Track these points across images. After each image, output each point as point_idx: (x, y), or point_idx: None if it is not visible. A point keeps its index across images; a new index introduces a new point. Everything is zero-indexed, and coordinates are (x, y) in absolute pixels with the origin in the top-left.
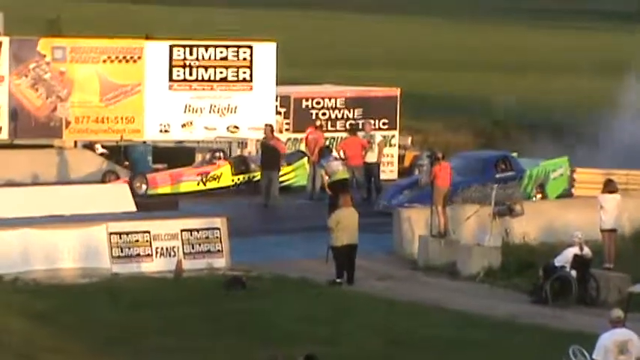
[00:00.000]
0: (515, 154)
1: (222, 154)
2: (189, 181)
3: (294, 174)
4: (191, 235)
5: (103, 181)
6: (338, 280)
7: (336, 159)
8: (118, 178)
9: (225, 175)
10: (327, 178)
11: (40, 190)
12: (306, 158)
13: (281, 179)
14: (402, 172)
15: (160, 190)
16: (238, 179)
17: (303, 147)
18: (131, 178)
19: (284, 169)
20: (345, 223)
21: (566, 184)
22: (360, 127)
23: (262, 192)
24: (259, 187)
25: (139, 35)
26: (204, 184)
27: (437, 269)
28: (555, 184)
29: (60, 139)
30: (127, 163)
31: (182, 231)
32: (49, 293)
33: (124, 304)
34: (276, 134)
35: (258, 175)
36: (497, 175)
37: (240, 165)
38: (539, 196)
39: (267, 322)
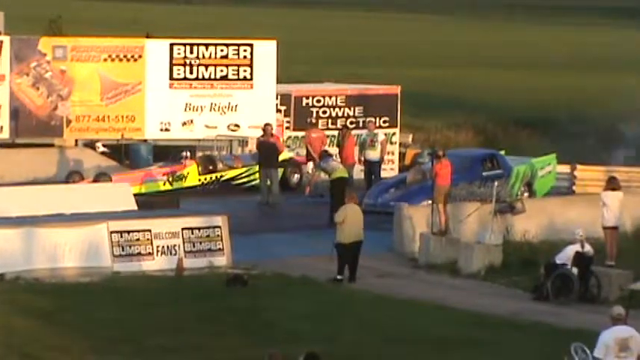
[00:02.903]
0: (502, 152)
1: (188, 153)
2: (155, 182)
3: None
4: (192, 233)
5: (67, 181)
6: (339, 277)
7: (334, 160)
8: (82, 178)
9: (191, 175)
10: (325, 176)
11: (41, 189)
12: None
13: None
14: (403, 170)
15: None
16: (205, 179)
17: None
18: (95, 179)
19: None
20: (352, 219)
21: (554, 181)
22: (366, 125)
23: (262, 190)
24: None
25: (139, 34)
26: (171, 184)
27: (438, 267)
28: (543, 181)
29: (61, 138)
30: (127, 161)
31: (183, 229)
32: (51, 292)
33: (126, 302)
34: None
35: (226, 175)
36: (484, 173)
37: (208, 164)
38: (526, 194)
39: (269, 320)
